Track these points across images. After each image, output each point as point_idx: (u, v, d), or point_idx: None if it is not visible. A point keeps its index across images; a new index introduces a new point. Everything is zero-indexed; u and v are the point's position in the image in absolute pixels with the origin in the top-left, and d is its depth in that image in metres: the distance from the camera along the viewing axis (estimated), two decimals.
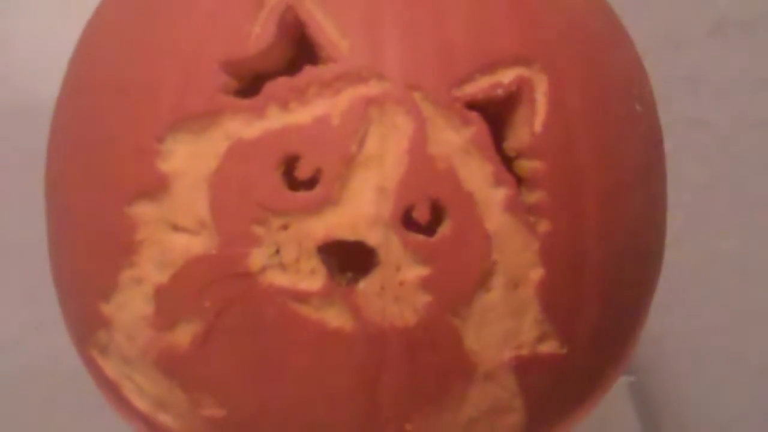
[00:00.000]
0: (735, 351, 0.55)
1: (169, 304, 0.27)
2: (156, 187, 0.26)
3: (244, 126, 0.25)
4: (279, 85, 0.26)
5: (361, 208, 0.25)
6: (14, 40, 0.52)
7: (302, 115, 0.25)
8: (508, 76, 0.26)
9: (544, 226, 0.26)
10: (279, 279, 0.26)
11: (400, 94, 0.25)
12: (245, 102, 0.26)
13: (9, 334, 0.52)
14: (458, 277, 0.26)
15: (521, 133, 0.27)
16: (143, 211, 0.27)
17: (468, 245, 0.26)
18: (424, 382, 0.27)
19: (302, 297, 0.26)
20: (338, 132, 0.25)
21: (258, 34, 0.26)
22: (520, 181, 0.26)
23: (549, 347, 0.28)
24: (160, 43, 0.27)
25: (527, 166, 0.27)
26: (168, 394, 0.28)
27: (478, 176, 0.26)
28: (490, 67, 0.26)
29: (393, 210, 0.25)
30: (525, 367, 0.27)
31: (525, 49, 0.27)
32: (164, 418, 0.30)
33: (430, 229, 0.26)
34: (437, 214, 0.26)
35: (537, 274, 0.27)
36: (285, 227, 0.25)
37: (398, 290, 0.25)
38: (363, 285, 0.26)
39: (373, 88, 0.25)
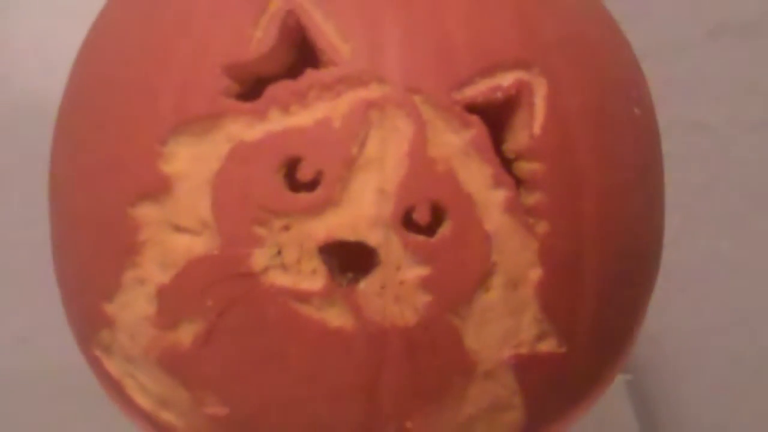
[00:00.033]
0: (732, 350, 0.55)
1: (171, 303, 0.27)
2: (158, 189, 0.26)
3: (246, 128, 0.26)
4: (280, 88, 0.26)
5: (361, 209, 0.25)
6: (14, 40, 0.52)
7: (303, 117, 0.26)
8: (507, 80, 0.27)
9: (542, 227, 0.27)
10: (280, 279, 0.26)
11: (400, 97, 0.25)
12: (247, 105, 0.26)
13: (13, 333, 0.53)
14: (458, 277, 0.26)
15: (520, 136, 0.27)
16: (146, 212, 0.27)
17: (468, 246, 0.26)
18: (424, 381, 0.27)
19: (303, 297, 0.26)
20: (339, 134, 0.25)
21: (260, 38, 0.26)
22: (519, 182, 0.27)
23: (548, 346, 0.28)
24: (163, 46, 0.27)
25: (526, 168, 0.27)
26: (171, 392, 0.29)
27: (477, 178, 0.26)
28: (490, 70, 0.26)
29: (393, 211, 0.25)
30: (524, 366, 0.28)
31: (524, 52, 0.27)
32: (167, 416, 0.30)
33: (430, 230, 0.26)
34: (437, 215, 0.26)
35: (536, 274, 0.27)
36: (286, 228, 0.26)
37: (398, 290, 0.26)
38: (364, 285, 0.26)
39: (373, 92, 0.26)
